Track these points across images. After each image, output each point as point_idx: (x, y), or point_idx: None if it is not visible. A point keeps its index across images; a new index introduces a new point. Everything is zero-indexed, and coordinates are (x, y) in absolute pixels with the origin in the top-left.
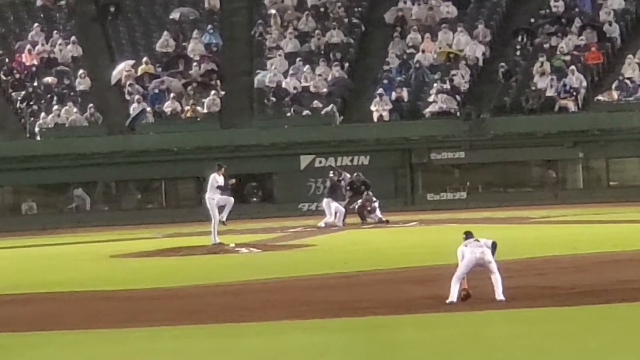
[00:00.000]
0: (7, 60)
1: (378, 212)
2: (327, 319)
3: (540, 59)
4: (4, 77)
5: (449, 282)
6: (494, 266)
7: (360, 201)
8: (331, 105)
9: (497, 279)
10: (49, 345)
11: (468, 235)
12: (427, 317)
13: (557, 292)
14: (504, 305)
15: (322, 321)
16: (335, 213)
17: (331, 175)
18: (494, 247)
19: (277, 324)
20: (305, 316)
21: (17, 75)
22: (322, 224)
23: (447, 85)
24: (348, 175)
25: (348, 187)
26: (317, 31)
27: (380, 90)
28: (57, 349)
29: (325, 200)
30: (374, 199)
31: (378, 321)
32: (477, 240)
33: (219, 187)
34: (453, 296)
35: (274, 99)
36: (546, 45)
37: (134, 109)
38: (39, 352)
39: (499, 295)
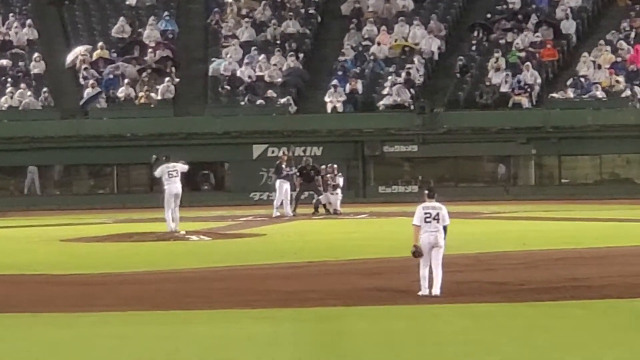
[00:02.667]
0: None
1: (339, 198)
2: (276, 308)
3: (496, 55)
4: None
5: (396, 275)
6: (440, 255)
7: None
8: (287, 97)
9: (438, 274)
10: None
11: (430, 193)
12: (376, 310)
13: (506, 288)
14: (453, 300)
15: (271, 311)
16: (283, 201)
17: (281, 156)
18: (445, 230)
19: (226, 313)
20: (254, 305)
21: None
22: (276, 213)
23: (402, 79)
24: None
25: (298, 174)
26: (273, 21)
27: (334, 82)
28: (3, 332)
29: (278, 181)
30: (340, 175)
31: (327, 312)
32: (434, 204)
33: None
34: (424, 289)
35: (228, 87)
36: (502, 41)
37: (87, 93)
38: None
39: (436, 290)
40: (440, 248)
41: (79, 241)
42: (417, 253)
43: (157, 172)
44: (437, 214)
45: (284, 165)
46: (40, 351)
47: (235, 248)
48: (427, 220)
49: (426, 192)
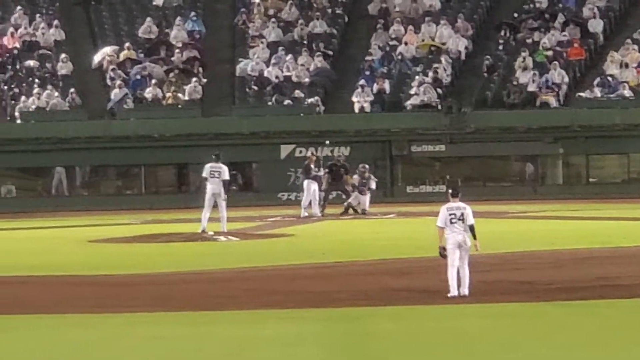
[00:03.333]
0: None
1: (368, 199)
2: (304, 309)
3: (523, 54)
4: None
5: (424, 275)
6: (467, 255)
7: (356, 177)
8: (315, 97)
9: (465, 274)
10: (22, 329)
11: (454, 193)
12: (403, 310)
13: (533, 287)
14: (480, 299)
15: (298, 311)
16: (311, 201)
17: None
18: (472, 229)
19: (253, 313)
20: (282, 306)
21: None
22: (304, 213)
23: (429, 78)
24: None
25: (327, 170)
26: (300, 21)
27: (362, 82)
28: (31, 333)
29: (306, 181)
30: (373, 177)
31: (354, 312)
32: (458, 205)
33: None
34: (453, 290)
35: (255, 87)
36: (529, 40)
37: (115, 94)
38: (11, 335)
39: (465, 290)
40: (467, 248)
41: (106, 242)
42: (443, 254)
43: (204, 172)
44: (462, 214)
45: (312, 166)
46: (67, 352)
47: (263, 248)
48: (452, 220)
49: (450, 191)
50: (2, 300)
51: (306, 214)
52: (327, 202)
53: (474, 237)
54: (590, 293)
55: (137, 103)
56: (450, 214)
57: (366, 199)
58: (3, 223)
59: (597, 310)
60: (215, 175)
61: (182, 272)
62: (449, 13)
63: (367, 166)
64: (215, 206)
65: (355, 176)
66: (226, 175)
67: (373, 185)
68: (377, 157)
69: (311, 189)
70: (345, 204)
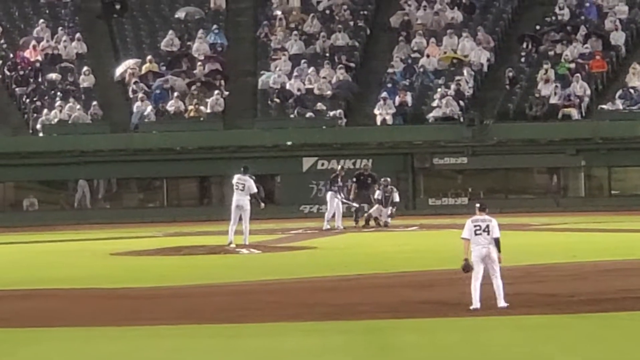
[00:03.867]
0: (11, 55)
1: (390, 211)
2: (326, 321)
3: (545, 66)
4: (8, 73)
5: (446, 287)
6: (496, 267)
7: (378, 190)
8: (339, 111)
9: (498, 286)
10: (48, 342)
11: (482, 207)
12: (426, 322)
13: (556, 299)
14: (503, 312)
15: (321, 324)
16: (334, 214)
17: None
18: (497, 242)
19: (275, 326)
20: (304, 318)
21: (21, 71)
22: (326, 225)
23: (451, 91)
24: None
25: (354, 180)
26: (322, 33)
27: (384, 94)
28: (56, 346)
29: (329, 194)
30: (395, 188)
31: (377, 325)
32: (484, 217)
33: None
34: (476, 302)
35: (277, 100)
36: (551, 53)
37: (137, 107)
38: (37, 348)
39: (501, 302)
40: (494, 261)
41: (129, 255)
42: (466, 267)
43: (233, 181)
44: (487, 226)
45: (339, 179)
46: None
47: (285, 261)
48: (477, 232)
49: (477, 205)
50: (26, 313)
51: (329, 227)
52: (361, 212)
53: (499, 250)
54: (613, 305)
55: (159, 116)
56: (475, 226)
57: (388, 211)
58: (26, 236)
59: (620, 322)
60: (239, 187)
61: (205, 285)
62: (470, 25)
63: (389, 180)
64: (240, 218)
65: (378, 191)
66: (253, 188)
67: (397, 198)
68: (399, 169)
69: (334, 202)
70: (366, 214)
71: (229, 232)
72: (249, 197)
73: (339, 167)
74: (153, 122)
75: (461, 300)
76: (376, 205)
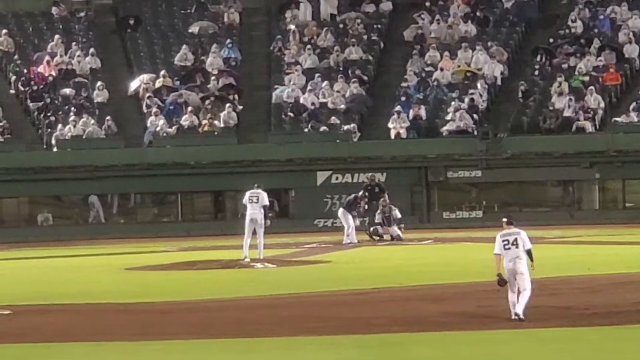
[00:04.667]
0: (25, 71)
1: (395, 228)
2: (340, 335)
3: (559, 79)
4: (22, 88)
5: (461, 301)
6: (525, 280)
7: (378, 213)
8: (353, 125)
9: (523, 296)
10: (63, 357)
11: (509, 221)
12: (441, 335)
13: (571, 312)
14: (517, 325)
15: (335, 338)
16: (349, 227)
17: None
18: (529, 253)
19: (290, 340)
20: (319, 332)
21: (35, 86)
22: (346, 240)
23: (465, 104)
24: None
25: (364, 192)
26: (336, 47)
27: (398, 108)
28: None
29: (341, 210)
30: (393, 206)
31: (391, 338)
32: (512, 231)
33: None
34: (514, 315)
35: (291, 114)
36: (565, 66)
37: (151, 122)
38: None
39: (520, 309)
40: (522, 274)
41: (143, 269)
42: (501, 282)
43: (244, 199)
44: (515, 239)
45: (362, 203)
46: None
47: (300, 275)
48: (507, 247)
49: (504, 219)
50: (41, 328)
51: (348, 241)
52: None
53: (531, 259)
54: (627, 318)
55: (173, 130)
56: (503, 240)
57: (395, 228)
58: (40, 251)
59: (634, 335)
60: (253, 200)
61: (220, 299)
62: (484, 39)
63: (387, 200)
64: (254, 232)
65: (378, 215)
66: (265, 201)
67: (398, 215)
68: (413, 183)
69: (349, 218)
70: (371, 229)
71: (244, 246)
72: (262, 211)
73: (360, 193)
74: (167, 136)
75: (476, 313)
76: (380, 230)
